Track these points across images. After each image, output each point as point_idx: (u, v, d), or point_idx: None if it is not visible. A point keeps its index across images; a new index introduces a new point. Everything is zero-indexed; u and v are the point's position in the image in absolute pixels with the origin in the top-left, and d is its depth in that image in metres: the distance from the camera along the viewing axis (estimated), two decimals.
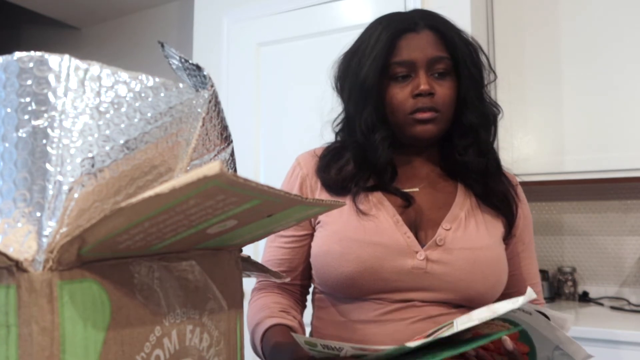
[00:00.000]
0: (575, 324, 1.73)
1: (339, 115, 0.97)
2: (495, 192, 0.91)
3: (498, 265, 0.86)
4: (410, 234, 0.84)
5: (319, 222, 0.90)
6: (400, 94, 0.87)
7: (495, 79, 0.96)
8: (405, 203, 0.87)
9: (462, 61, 0.87)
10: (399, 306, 0.82)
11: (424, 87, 0.84)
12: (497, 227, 0.90)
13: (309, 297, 0.98)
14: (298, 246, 0.93)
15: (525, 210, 0.96)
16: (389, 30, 0.87)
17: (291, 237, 0.93)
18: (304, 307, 0.98)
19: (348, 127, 0.94)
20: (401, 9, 1.01)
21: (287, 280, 0.93)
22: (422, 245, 0.84)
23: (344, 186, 0.89)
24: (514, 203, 0.93)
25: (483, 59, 0.92)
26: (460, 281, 0.82)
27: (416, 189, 0.91)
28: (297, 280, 0.95)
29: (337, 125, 0.98)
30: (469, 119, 0.89)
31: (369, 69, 0.87)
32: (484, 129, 0.90)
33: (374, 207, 0.86)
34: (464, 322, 0.60)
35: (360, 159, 0.90)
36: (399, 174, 0.92)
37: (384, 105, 0.88)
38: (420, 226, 0.87)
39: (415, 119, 0.86)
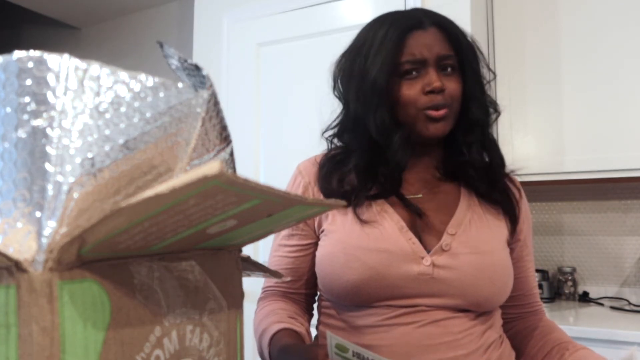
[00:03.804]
0: (575, 324, 1.73)
1: (335, 120, 0.95)
2: (497, 188, 0.91)
3: (504, 269, 0.85)
4: (415, 239, 0.83)
5: (322, 231, 0.89)
6: (412, 91, 0.85)
7: (494, 78, 0.97)
8: (412, 216, 0.86)
9: (467, 58, 0.88)
10: (405, 311, 0.81)
11: (436, 84, 0.84)
12: (501, 231, 0.89)
13: (315, 305, 0.97)
14: (302, 255, 0.92)
15: (528, 212, 0.97)
16: (396, 29, 0.86)
17: (295, 247, 0.92)
18: (310, 315, 0.98)
19: (354, 129, 0.91)
20: (401, 8, 1.01)
21: (288, 279, 0.93)
22: (428, 251, 0.83)
23: (346, 197, 0.87)
24: (515, 200, 0.93)
25: (483, 58, 0.92)
26: (467, 286, 0.81)
27: (419, 195, 0.90)
28: (302, 289, 0.94)
29: (334, 128, 0.95)
30: (475, 115, 0.89)
31: (379, 69, 0.85)
32: (488, 124, 0.91)
33: (377, 215, 0.85)
34: None
35: (364, 165, 0.88)
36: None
37: (396, 104, 0.87)
38: (425, 232, 0.86)
39: (427, 115, 0.85)
